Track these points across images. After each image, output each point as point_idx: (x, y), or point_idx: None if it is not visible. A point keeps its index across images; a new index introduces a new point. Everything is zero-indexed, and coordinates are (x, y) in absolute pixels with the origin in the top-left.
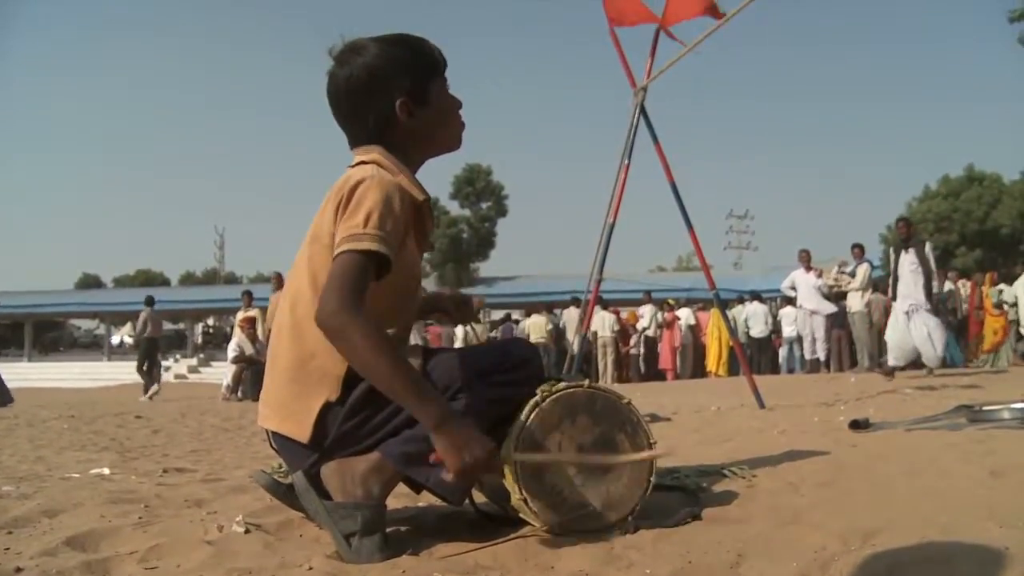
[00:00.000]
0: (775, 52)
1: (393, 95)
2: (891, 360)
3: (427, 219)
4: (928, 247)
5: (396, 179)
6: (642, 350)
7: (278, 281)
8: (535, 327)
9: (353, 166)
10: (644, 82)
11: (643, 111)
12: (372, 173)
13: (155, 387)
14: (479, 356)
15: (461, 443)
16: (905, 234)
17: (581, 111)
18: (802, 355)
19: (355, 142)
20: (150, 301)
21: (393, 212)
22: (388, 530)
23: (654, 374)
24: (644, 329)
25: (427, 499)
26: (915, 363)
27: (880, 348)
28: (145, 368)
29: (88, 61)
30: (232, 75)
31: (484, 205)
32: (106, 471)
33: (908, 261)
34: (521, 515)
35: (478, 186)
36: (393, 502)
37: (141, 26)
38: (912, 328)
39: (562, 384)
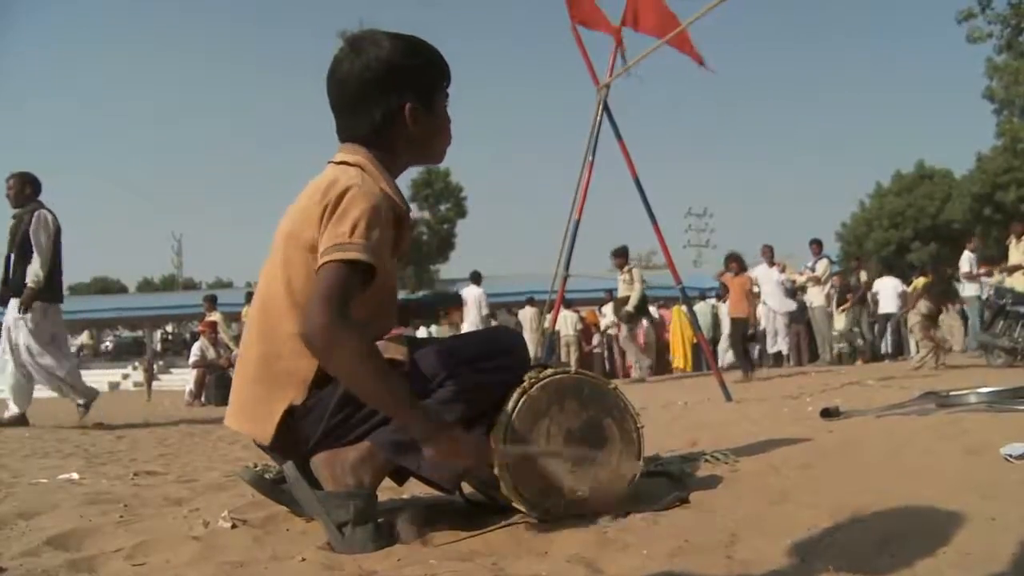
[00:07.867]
0: (729, 52)
1: (405, 96)
2: None
3: (404, 230)
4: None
5: (382, 188)
6: (606, 349)
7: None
8: None
9: (336, 163)
10: (607, 79)
11: (606, 108)
12: (359, 181)
13: None
14: (466, 344)
15: (452, 451)
16: None
17: (539, 111)
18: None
19: (348, 132)
20: None
21: (380, 222)
22: (379, 520)
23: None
24: (608, 328)
25: (412, 491)
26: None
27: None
28: None
29: (42, 69)
30: (188, 81)
31: (443, 207)
32: (75, 476)
33: None
34: (512, 503)
35: (437, 188)
36: (378, 495)
37: (94, 34)
38: None
39: (549, 371)
